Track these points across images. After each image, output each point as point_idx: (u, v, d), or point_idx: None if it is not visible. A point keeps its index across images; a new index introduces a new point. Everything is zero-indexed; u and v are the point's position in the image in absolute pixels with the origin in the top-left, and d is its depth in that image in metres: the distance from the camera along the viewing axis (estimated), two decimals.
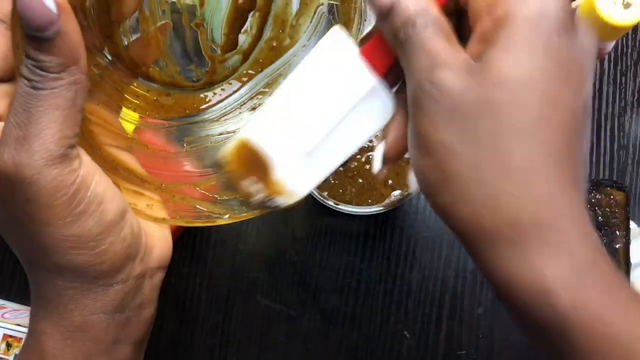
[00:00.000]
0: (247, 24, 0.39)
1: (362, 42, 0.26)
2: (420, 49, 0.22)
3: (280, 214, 0.51)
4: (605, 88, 0.54)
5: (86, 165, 0.25)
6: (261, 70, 0.38)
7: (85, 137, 0.29)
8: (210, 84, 0.40)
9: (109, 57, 0.36)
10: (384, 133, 0.27)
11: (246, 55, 0.39)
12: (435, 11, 0.23)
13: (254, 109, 0.38)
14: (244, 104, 0.38)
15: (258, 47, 0.39)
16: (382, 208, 0.45)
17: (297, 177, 0.28)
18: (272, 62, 0.38)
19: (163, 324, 0.50)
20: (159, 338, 0.50)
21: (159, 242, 0.29)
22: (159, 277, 0.30)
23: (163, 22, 0.38)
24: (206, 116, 0.38)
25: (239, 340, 0.50)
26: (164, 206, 0.31)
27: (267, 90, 0.37)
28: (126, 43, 0.37)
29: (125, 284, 0.27)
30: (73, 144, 0.24)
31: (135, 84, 0.38)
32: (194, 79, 0.40)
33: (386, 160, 0.27)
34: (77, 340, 0.27)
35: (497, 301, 0.50)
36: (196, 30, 0.39)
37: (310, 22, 0.36)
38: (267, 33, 0.38)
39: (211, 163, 0.36)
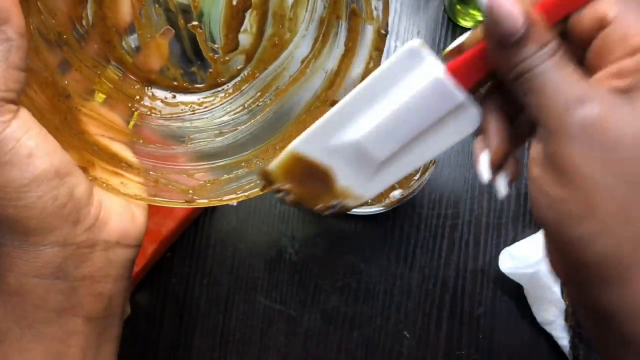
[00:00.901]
0: (246, 22, 0.39)
1: (446, 58, 0.25)
2: (557, 83, 0.22)
3: (279, 214, 0.51)
4: None
5: (22, 120, 0.25)
6: (265, 68, 0.38)
7: (69, 123, 0.31)
8: (216, 86, 0.40)
9: (121, 69, 0.37)
10: (486, 141, 0.26)
11: (250, 55, 0.39)
12: (559, 42, 0.22)
13: (258, 105, 0.38)
14: (249, 100, 0.38)
15: (261, 46, 0.39)
16: (382, 208, 0.45)
17: (364, 184, 0.28)
18: (275, 58, 0.38)
19: (163, 324, 0.50)
20: (159, 338, 0.50)
21: (118, 217, 0.29)
22: (119, 253, 0.29)
23: (164, 28, 0.38)
24: (208, 116, 0.38)
25: (239, 340, 0.50)
26: (146, 187, 0.31)
27: (272, 84, 0.38)
28: (130, 54, 0.38)
29: (63, 247, 0.27)
30: (7, 98, 0.25)
31: (137, 88, 0.39)
32: (198, 81, 0.40)
33: (494, 167, 0.26)
34: (16, 305, 0.27)
35: (497, 301, 0.50)
36: (194, 32, 0.39)
37: (306, 10, 0.36)
38: (269, 30, 0.38)
39: (208, 157, 0.36)
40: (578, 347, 0.47)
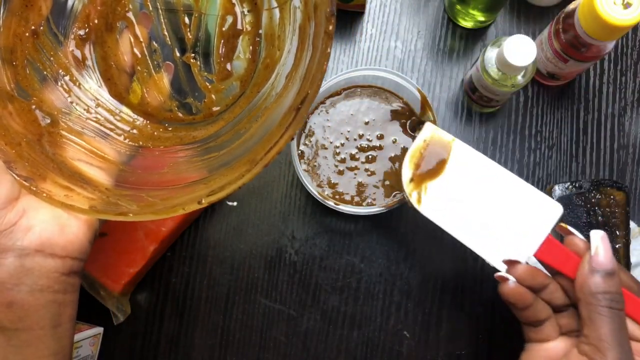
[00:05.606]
0: (239, 48, 0.38)
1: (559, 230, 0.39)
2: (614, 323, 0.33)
3: (279, 214, 0.51)
4: (605, 88, 0.54)
5: None
6: (258, 92, 0.37)
7: (42, 143, 0.33)
8: (210, 116, 0.39)
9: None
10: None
11: (245, 81, 0.38)
12: None
13: (246, 129, 0.37)
14: (240, 125, 0.37)
15: (257, 71, 0.38)
16: (382, 208, 0.45)
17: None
18: (267, 80, 0.37)
19: (163, 324, 0.50)
20: (159, 338, 0.50)
21: (43, 226, 0.29)
22: (39, 262, 0.29)
23: (165, 63, 0.39)
24: (212, 144, 0.38)
25: (239, 340, 0.50)
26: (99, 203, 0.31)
27: (262, 106, 0.36)
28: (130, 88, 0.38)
29: None
30: None
31: (146, 123, 0.39)
32: (193, 111, 0.39)
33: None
34: None
35: (497, 301, 0.50)
36: (188, 64, 0.39)
37: (290, 24, 0.35)
38: (263, 53, 0.38)
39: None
40: None
